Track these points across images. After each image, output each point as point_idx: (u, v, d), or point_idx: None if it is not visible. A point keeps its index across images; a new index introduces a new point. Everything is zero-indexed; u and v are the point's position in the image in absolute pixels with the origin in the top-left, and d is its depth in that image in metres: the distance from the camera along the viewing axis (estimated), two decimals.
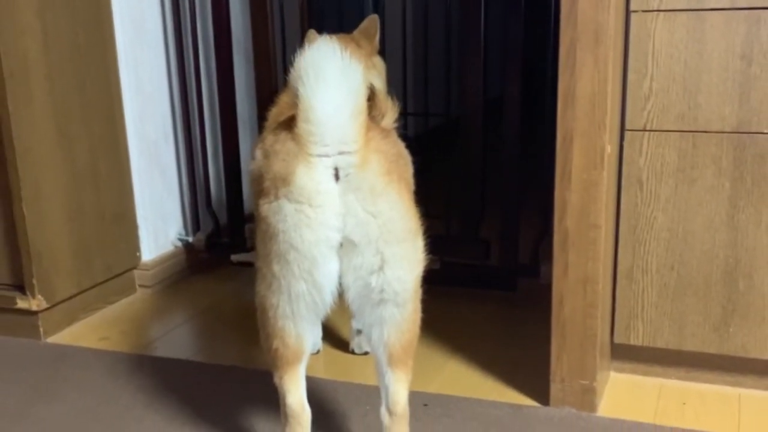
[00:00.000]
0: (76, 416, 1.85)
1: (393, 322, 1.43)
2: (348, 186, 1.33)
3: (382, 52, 2.08)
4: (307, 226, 1.33)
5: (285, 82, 1.76)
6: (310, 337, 1.49)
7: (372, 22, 2.01)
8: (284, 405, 1.50)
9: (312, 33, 1.96)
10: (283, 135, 1.36)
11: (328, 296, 1.40)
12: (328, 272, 1.37)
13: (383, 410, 1.49)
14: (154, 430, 1.78)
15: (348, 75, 1.29)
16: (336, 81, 1.27)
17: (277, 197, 1.34)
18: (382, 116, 1.60)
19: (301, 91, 1.27)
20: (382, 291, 1.40)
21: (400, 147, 1.55)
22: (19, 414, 1.87)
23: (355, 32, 1.99)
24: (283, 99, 1.76)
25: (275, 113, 1.76)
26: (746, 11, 1.63)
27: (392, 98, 1.64)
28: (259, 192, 1.41)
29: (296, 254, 1.35)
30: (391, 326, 1.44)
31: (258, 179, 1.42)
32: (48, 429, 1.80)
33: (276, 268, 1.38)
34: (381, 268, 1.38)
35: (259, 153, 1.43)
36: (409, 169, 1.56)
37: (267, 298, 1.44)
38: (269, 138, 1.41)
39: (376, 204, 1.34)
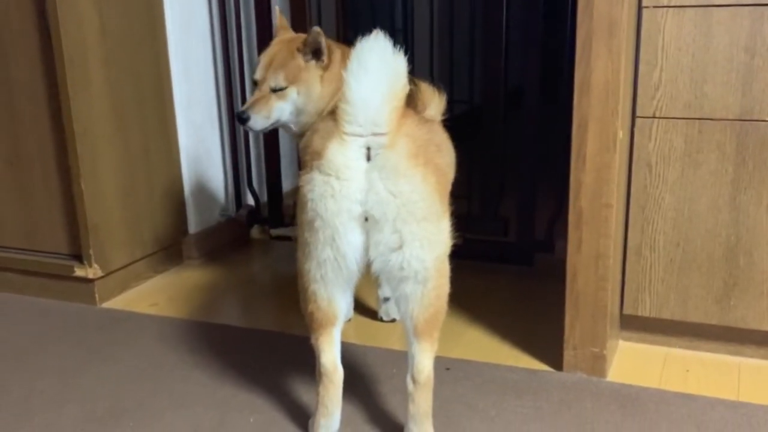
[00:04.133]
0: (128, 374, 1.88)
1: (415, 298, 1.42)
2: (374, 164, 1.34)
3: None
4: (332, 196, 1.34)
5: None
6: (343, 303, 1.48)
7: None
8: (319, 364, 1.51)
9: (280, 16, 1.94)
10: (328, 116, 1.40)
11: (353, 264, 1.40)
12: (349, 242, 1.37)
13: (409, 377, 1.48)
14: (198, 387, 1.80)
15: (387, 65, 1.31)
16: (375, 69, 1.30)
17: (311, 169, 1.37)
18: (424, 107, 1.60)
19: (345, 76, 1.30)
20: (401, 269, 1.39)
21: (437, 135, 1.54)
22: (76, 372, 1.90)
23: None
24: None
25: None
26: (750, 7, 1.63)
27: (440, 91, 1.64)
28: (302, 165, 1.44)
29: (321, 222, 1.36)
30: (414, 302, 1.43)
31: (303, 154, 1.45)
32: (102, 386, 1.83)
33: (307, 235, 1.41)
34: (400, 247, 1.38)
35: (310, 131, 1.46)
36: (443, 156, 1.52)
37: (302, 264, 1.45)
38: (321, 120, 1.45)
39: (397, 184, 1.34)
